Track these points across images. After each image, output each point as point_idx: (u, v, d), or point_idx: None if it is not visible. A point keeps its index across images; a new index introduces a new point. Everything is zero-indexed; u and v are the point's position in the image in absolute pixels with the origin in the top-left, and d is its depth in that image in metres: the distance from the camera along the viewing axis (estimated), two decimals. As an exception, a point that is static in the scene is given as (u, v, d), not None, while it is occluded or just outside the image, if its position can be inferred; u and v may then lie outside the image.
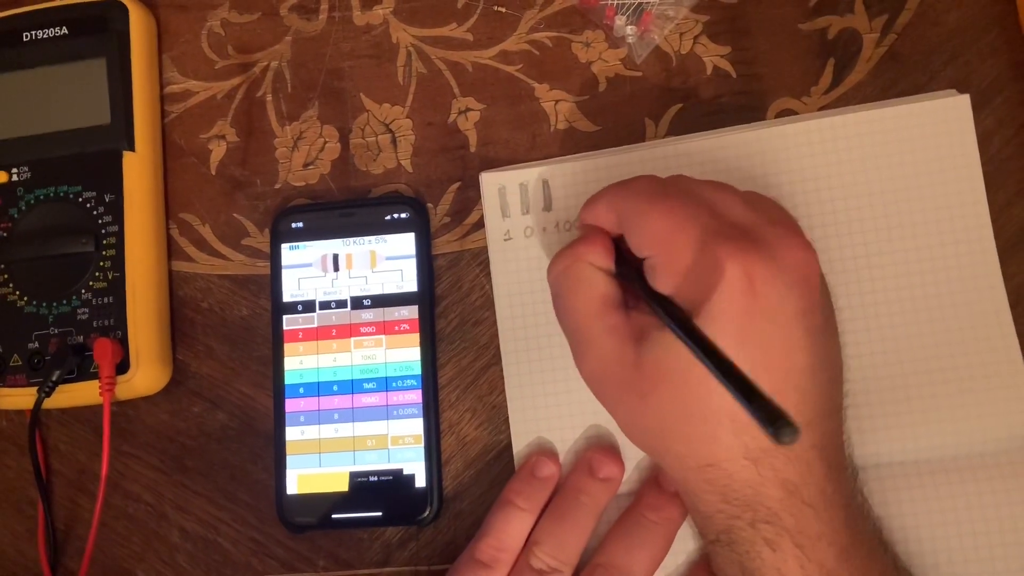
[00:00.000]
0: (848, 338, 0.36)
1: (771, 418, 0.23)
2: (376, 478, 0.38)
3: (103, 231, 0.40)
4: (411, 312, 0.39)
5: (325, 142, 0.42)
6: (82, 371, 0.39)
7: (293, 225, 0.40)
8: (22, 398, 0.39)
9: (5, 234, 0.41)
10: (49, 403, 0.38)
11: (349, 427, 0.38)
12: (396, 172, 0.41)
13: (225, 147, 0.43)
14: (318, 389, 0.39)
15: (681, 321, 0.28)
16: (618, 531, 0.35)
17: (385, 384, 0.39)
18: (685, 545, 0.35)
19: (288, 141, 0.42)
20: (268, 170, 0.42)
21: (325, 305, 0.40)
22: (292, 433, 0.39)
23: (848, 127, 0.37)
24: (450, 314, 0.40)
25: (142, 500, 0.40)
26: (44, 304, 0.40)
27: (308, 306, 0.40)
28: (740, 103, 0.39)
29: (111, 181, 0.40)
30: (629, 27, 0.40)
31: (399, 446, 0.38)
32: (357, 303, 0.39)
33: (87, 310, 0.39)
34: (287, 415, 0.39)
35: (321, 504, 0.38)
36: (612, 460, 0.36)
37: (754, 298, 0.28)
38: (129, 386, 0.39)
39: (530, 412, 0.38)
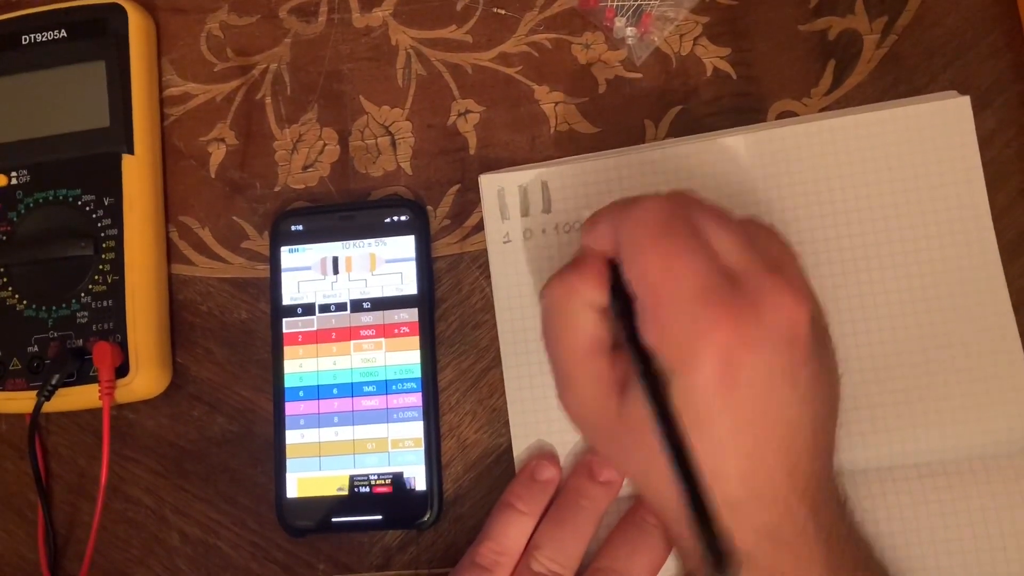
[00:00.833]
0: (849, 341, 0.36)
1: (711, 544, 0.24)
2: (376, 481, 0.38)
3: (102, 234, 0.40)
4: (411, 315, 0.39)
5: (324, 144, 0.42)
6: (82, 375, 0.39)
7: (293, 228, 0.40)
8: (22, 402, 0.39)
9: (4, 238, 0.40)
10: (49, 407, 0.38)
11: (349, 430, 0.38)
12: (396, 174, 0.41)
13: (224, 150, 0.43)
14: (318, 392, 0.39)
15: (654, 390, 0.28)
16: (619, 535, 0.35)
17: (385, 387, 0.38)
18: (686, 548, 0.35)
19: (287, 144, 0.42)
20: (267, 173, 0.42)
21: (325, 308, 0.39)
22: (292, 436, 0.39)
23: (848, 129, 0.37)
24: (450, 317, 0.40)
25: (142, 504, 0.40)
26: (44, 308, 0.40)
27: (308, 309, 0.40)
28: (740, 105, 0.39)
29: (110, 184, 0.40)
30: (629, 29, 0.40)
31: (399, 449, 0.38)
32: (357, 306, 0.39)
33: (87, 314, 0.39)
34: (287, 418, 0.39)
35: (321, 508, 0.38)
36: (612, 464, 0.35)
37: (736, 368, 0.27)
38: (129, 390, 0.39)
39: (531, 415, 0.38)
